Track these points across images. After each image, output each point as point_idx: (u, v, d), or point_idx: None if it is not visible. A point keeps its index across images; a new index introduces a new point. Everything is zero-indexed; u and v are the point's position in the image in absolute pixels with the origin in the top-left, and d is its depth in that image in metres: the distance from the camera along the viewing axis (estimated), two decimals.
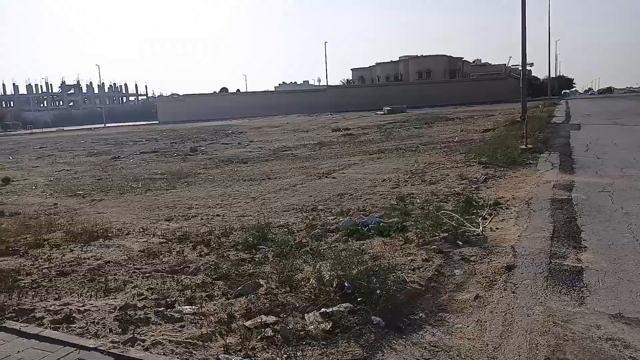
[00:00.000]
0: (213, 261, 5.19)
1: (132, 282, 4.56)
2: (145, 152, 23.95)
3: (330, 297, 3.66)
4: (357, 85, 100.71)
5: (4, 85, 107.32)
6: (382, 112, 50.38)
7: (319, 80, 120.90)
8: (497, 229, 6.03)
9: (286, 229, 6.50)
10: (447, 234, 5.54)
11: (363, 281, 3.80)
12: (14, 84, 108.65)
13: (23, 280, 4.85)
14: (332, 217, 7.12)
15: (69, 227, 7.67)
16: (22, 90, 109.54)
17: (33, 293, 4.40)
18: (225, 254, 5.46)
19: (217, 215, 8.05)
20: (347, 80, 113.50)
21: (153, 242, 6.37)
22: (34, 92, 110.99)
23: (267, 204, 8.82)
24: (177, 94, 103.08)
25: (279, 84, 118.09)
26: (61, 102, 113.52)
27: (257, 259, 5.17)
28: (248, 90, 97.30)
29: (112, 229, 7.34)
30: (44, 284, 4.69)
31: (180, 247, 5.96)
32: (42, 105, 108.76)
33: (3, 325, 3.44)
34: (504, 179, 9.90)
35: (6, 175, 16.04)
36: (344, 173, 12.33)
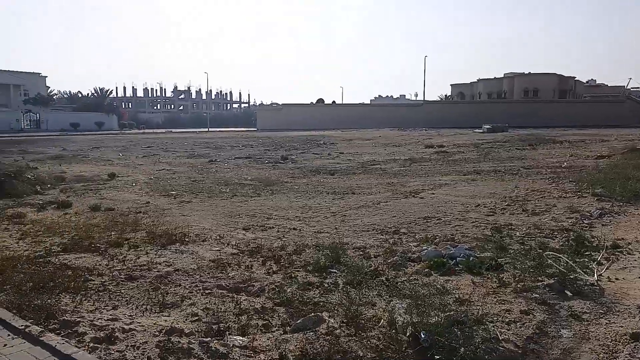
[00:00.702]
0: (279, 282, 4.81)
1: (190, 299, 4.34)
2: (239, 157, 24.75)
3: (401, 350, 3.07)
4: (455, 101, 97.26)
5: (124, 88, 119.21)
6: (481, 131, 47.81)
7: (416, 95, 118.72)
8: (616, 279, 4.97)
9: (362, 253, 5.97)
10: (552, 280, 4.63)
11: (443, 335, 3.14)
12: (133, 87, 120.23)
13: (93, 281, 4.84)
14: (415, 244, 6.46)
15: (151, 228, 7.81)
16: (140, 93, 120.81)
17: (96, 297, 4.34)
18: (293, 274, 5.08)
19: (294, 228, 7.74)
20: (445, 96, 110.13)
21: (225, 252, 6.18)
22: (150, 95, 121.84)
23: (346, 221, 8.35)
24: (276, 103, 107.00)
25: (375, 97, 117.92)
26: (172, 105, 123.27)
27: (326, 285, 4.70)
28: (344, 102, 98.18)
29: (191, 233, 7.33)
30: (110, 287, 4.64)
31: (250, 261, 5.69)
32: (155, 107, 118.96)
33: (42, 339, 3.33)
34: (624, 216, 8.48)
35: (113, 170, 17.32)
36: (433, 193, 11.50)
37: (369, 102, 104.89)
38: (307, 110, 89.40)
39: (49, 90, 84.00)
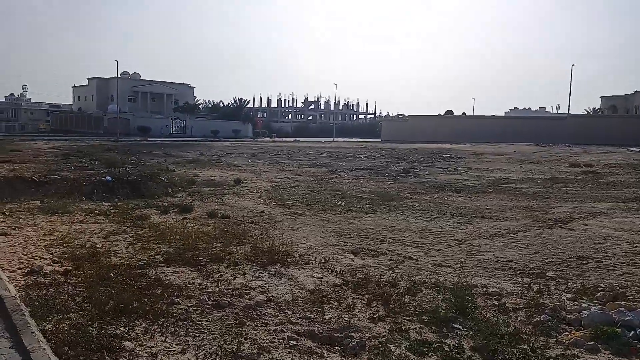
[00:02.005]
0: (384, 335, 3.83)
1: (269, 351, 3.56)
2: (360, 168, 24.12)
3: None
4: (607, 115, 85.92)
5: (260, 98, 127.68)
6: (638, 149, 41.08)
7: (558, 108, 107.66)
8: None
9: (496, 303, 4.70)
10: None
11: None
12: (268, 97, 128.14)
13: (179, 305, 4.36)
14: (570, 296, 4.96)
15: (257, 242, 7.36)
16: (274, 103, 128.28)
17: (172, 329, 3.81)
18: (403, 326, 4.05)
19: (410, 257, 6.66)
20: (593, 109, 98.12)
21: (327, 282, 5.37)
22: (282, 105, 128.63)
23: (474, 253, 7.01)
24: (402, 115, 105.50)
25: (510, 110, 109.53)
26: (302, 115, 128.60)
27: (446, 348, 3.60)
28: (474, 114, 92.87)
29: (295, 252, 6.68)
30: (193, 316, 4.10)
31: (352, 299, 4.80)
32: (287, 117, 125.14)
33: None
34: None
35: (239, 176, 17.81)
36: (585, 224, 9.47)
37: (503, 115, 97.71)
38: (434, 121, 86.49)
39: (195, 100, 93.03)
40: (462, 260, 6.53)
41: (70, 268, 5.08)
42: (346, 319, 4.24)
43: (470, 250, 7.15)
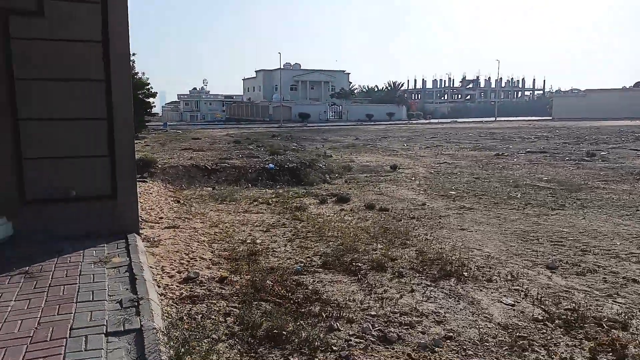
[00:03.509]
0: None
1: None
2: (531, 151, 21.28)
3: None
4: None
5: (415, 80, 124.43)
6: None
7: None
8: None
9: None
10: None
11: None
12: (423, 79, 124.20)
13: (338, 333, 3.64)
14: None
15: (423, 245, 6.38)
16: (429, 85, 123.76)
17: None
18: None
19: (635, 280, 4.96)
20: None
21: (523, 314, 4.14)
22: (438, 86, 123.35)
23: None
24: (577, 89, 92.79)
25: None
26: (459, 95, 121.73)
27: None
28: None
29: (471, 263, 5.53)
30: (354, 354, 3.31)
31: (567, 346, 3.50)
32: (442, 98, 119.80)
33: None
34: None
35: (395, 162, 16.98)
36: None
37: None
38: (618, 96, 74.43)
39: (350, 85, 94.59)
40: None
41: (226, 274, 4.76)
42: None
43: None
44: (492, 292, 4.62)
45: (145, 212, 7.92)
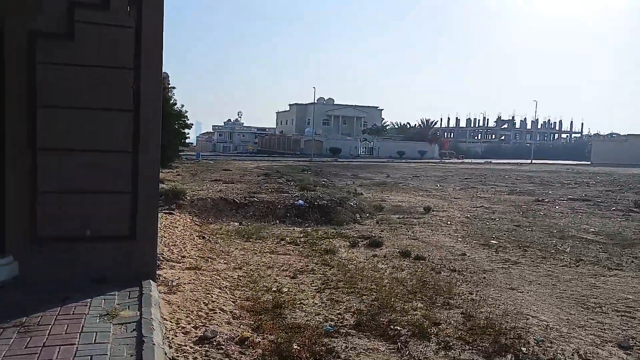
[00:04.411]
0: None
1: None
2: (573, 198, 20.14)
3: None
4: None
5: (448, 119, 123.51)
6: None
7: None
8: None
9: None
10: None
11: None
12: (456, 118, 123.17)
13: None
14: None
15: (469, 306, 5.68)
16: (462, 123, 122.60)
17: None
18: None
19: None
20: None
21: None
22: (472, 125, 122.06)
23: None
24: (617, 134, 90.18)
25: None
26: (493, 135, 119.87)
27: None
28: None
29: (529, 336, 4.79)
30: None
31: None
32: (476, 137, 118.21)
33: None
34: None
35: (429, 203, 16.26)
36: None
37: None
38: None
39: (383, 122, 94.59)
40: None
41: (248, 334, 4.20)
42: None
43: None
44: None
45: (168, 249, 7.50)
